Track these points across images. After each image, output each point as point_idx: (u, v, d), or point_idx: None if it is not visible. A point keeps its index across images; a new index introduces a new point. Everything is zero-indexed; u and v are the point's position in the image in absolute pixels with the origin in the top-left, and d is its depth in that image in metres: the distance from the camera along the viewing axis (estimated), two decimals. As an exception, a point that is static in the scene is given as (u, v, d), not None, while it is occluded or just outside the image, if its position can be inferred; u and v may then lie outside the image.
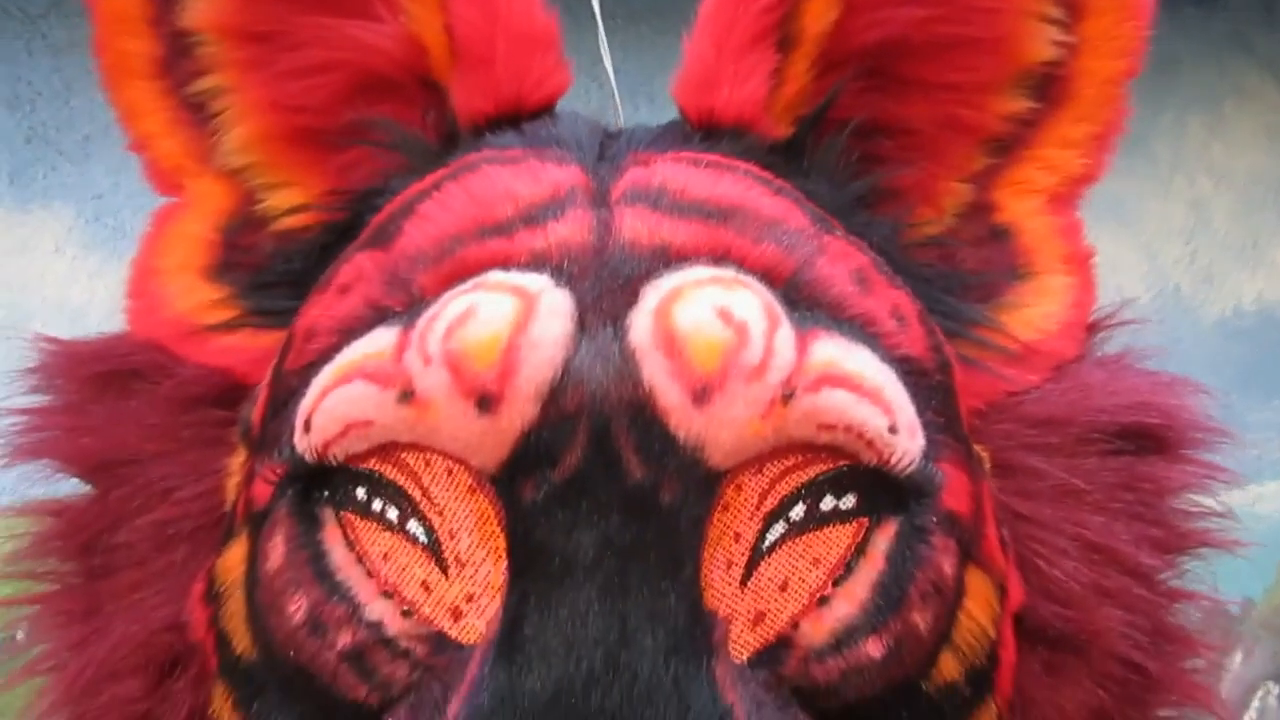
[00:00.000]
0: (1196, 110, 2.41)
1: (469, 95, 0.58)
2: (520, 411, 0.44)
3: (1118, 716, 0.58)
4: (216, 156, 0.66)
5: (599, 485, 0.43)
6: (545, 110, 0.60)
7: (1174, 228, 2.38)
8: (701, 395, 0.43)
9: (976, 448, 0.58)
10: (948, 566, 0.49)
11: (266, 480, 0.50)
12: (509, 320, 0.44)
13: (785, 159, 0.58)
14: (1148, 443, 0.61)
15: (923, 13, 0.60)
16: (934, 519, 0.49)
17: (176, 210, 0.67)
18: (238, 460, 0.58)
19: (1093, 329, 0.66)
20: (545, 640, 0.41)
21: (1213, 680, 0.67)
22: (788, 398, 0.44)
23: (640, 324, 0.45)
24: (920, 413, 0.50)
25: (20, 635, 0.67)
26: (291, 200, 0.65)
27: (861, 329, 0.50)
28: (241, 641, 0.51)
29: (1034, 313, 0.63)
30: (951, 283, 0.62)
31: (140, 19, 0.65)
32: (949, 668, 0.50)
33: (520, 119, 0.58)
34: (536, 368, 0.44)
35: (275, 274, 0.63)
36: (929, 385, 0.52)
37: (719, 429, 0.44)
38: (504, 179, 0.52)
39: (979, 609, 0.51)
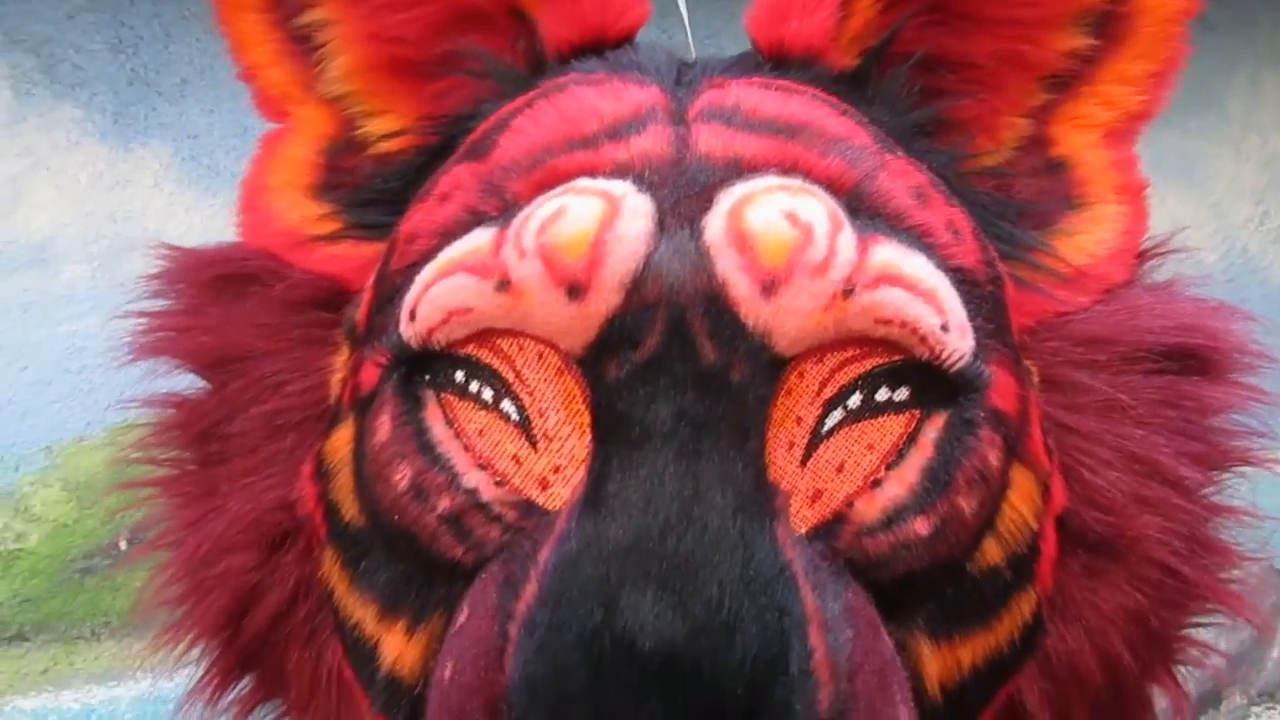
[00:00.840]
0: (1271, 69, 2.36)
1: (556, 25, 0.62)
2: (606, 299, 0.48)
3: (1153, 619, 0.61)
4: (320, 85, 0.71)
5: (675, 365, 0.48)
6: (626, 40, 0.64)
7: (1245, 187, 2.34)
8: (769, 288, 0.48)
9: (1026, 362, 0.61)
10: (993, 458, 0.53)
11: (375, 364, 0.56)
12: (596, 218, 0.49)
13: (850, 88, 0.62)
14: (1192, 363, 0.63)
15: None
16: (981, 414, 0.53)
17: (282, 135, 0.73)
18: (341, 358, 0.64)
19: (1144, 257, 0.68)
20: (626, 495, 0.46)
21: (1248, 590, 0.70)
22: (848, 293, 0.49)
23: (714, 225, 0.49)
24: (971, 318, 0.53)
25: (123, 545, 0.74)
26: (389, 126, 0.70)
27: (919, 238, 0.54)
28: (350, 510, 0.57)
29: (1086, 239, 0.66)
30: (1007, 210, 0.65)
31: None
32: (992, 552, 0.54)
33: (603, 47, 0.62)
34: (621, 260, 0.48)
35: (374, 192, 0.68)
36: (980, 295, 0.56)
37: (784, 318, 0.48)
38: (590, 98, 0.57)
39: (1022, 502, 0.55)
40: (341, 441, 0.59)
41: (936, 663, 0.53)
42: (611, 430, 0.48)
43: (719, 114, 0.55)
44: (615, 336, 0.49)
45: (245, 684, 0.67)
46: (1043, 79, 0.68)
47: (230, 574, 0.64)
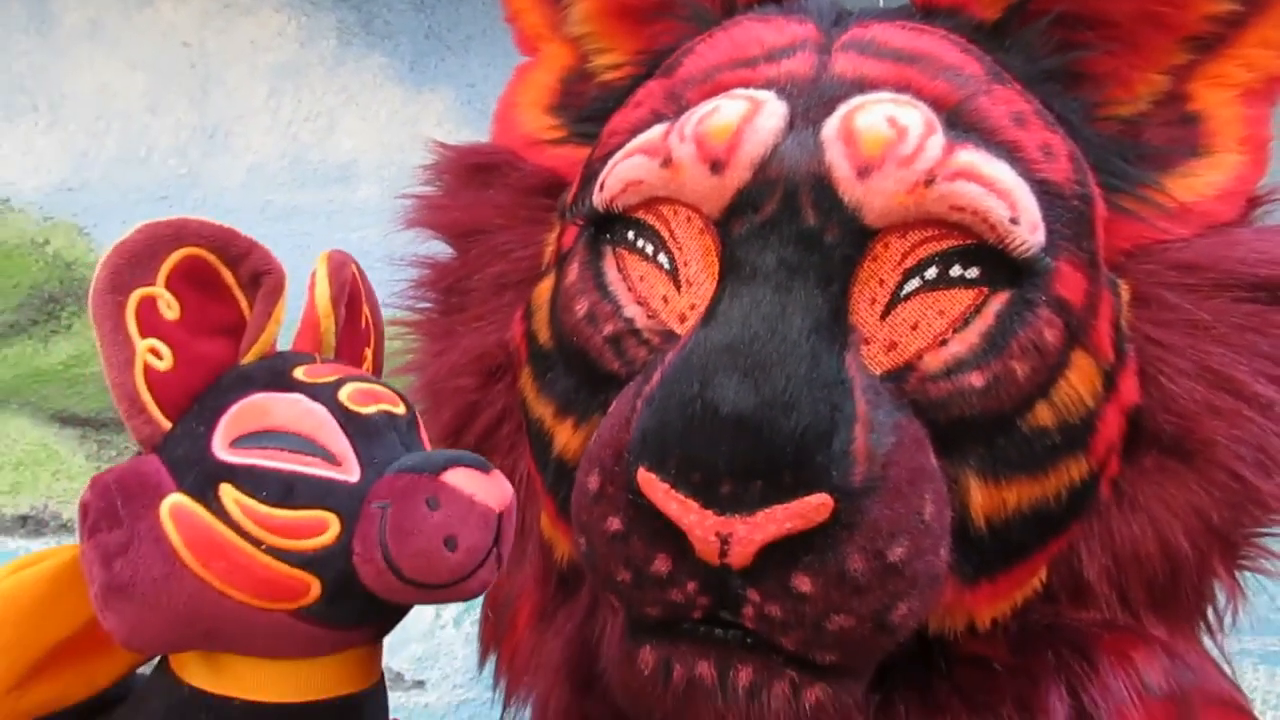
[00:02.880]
0: None
1: None
2: (739, 175, 0.62)
3: (1216, 518, 0.67)
4: (564, 27, 0.89)
5: (784, 225, 0.61)
6: None
7: None
8: (864, 171, 0.60)
9: (1121, 281, 0.69)
10: (1049, 335, 0.62)
11: (574, 225, 0.73)
12: (740, 114, 0.63)
13: (989, 36, 0.71)
14: None
15: None
16: (1043, 297, 0.62)
17: (533, 65, 0.91)
18: (554, 234, 0.81)
19: (1256, 201, 0.74)
20: (731, 314, 0.59)
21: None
22: (929, 182, 0.59)
23: (830, 124, 0.62)
24: (1048, 221, 0.62)
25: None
26: (614, 59, 0.86)
27: (1009, 151, 0.63)
28: (544, 334, 0.74)
29: (1199, 181, 0.72)
30: (1128, 151, 0.72)
31: None
32: (1044, 415, 0.63)
33: None
34: (754, 145, 0.62)
35: (594, 110, 0.84)
36: (1064, 206, 0.64)
37: (874, 196, 0.60)
38: (756, 30, 0.71)
39: (1080, 382, 0.64)
40: (545, 289, 0.76)
41: (983, 497, 0.62)
42: (730, 271, 0.62)
43: (856, 44, 0.67)
44: (743, 203, 0.62)
45: None
46: (1186, 39, 0.73)
47: (458, 394, 0.83)
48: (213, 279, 0.72)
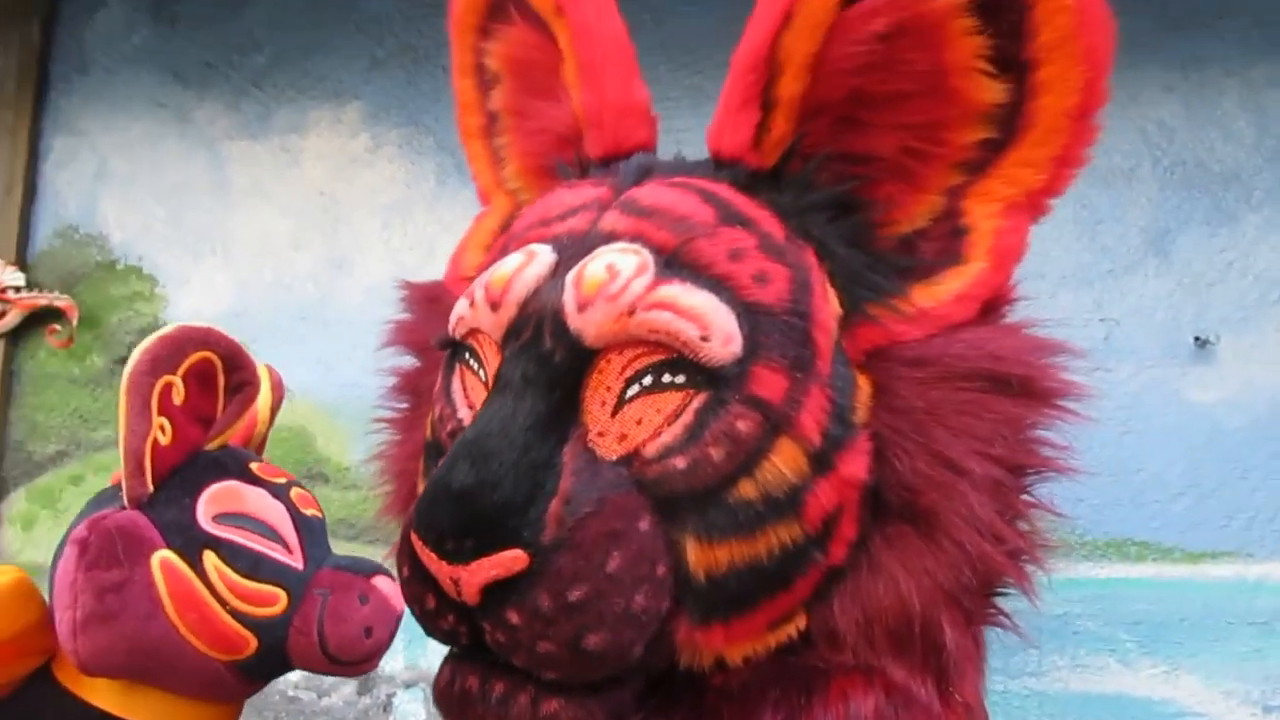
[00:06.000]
0: None
1: (590, 146, 0.96)
2: (509, 311, 0.80)
3: (944, 580, 0.77)
4: (506, 182, 1.13)
5: (531, 348, 0.78)
6: (642, 149, 0.96)
7: None
8: (583, 306, 0.76)
9: (862, 376, 0.80)
10: (742, 426, 0.74)
11: (440, 350, 0.94)
12: (516, 265, 0.81)
13: (766, 180, 0.85)
14: (1003, 385, 0.78)
15: (875, 76, 0.83)
16: (736, 396, 0.74)
17: (486, 213, 1.14)
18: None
19: (998, 303, 0.84)
20: (482, 416, 0.77)
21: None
22: (632, 312, 0.74)
23: (573, 270, 0.78)
24: (753, 334, 0.75)
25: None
26: None
27: (718, 282, 0.76)
28: (428, 432, 0.95)
29: (941, 288, 0.82)
30: (890, 267, 0.84)
31: (475, 103, 1.14)
32: (747, 489, 0.74)
33: (618, 158, 0.95)
34: (520, 289, 0.80)
35: None
36: (770, 322, 0.77)
37: (589, 325, 0.75)
38: (564, 194, 0.90)
39: (784, 462, 0.75)
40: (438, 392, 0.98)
41: (698, 555, 0.74)
42: (495, 383, 0.80)
43: (622, 203, 0.84)
44: (511, 332, 0.80)
45: None
46: (957, 164, 0.85)
47: (407, 475, 1.05)
48: (211, 379, 0.99)
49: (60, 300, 2.19)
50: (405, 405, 1.12)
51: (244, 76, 2.19)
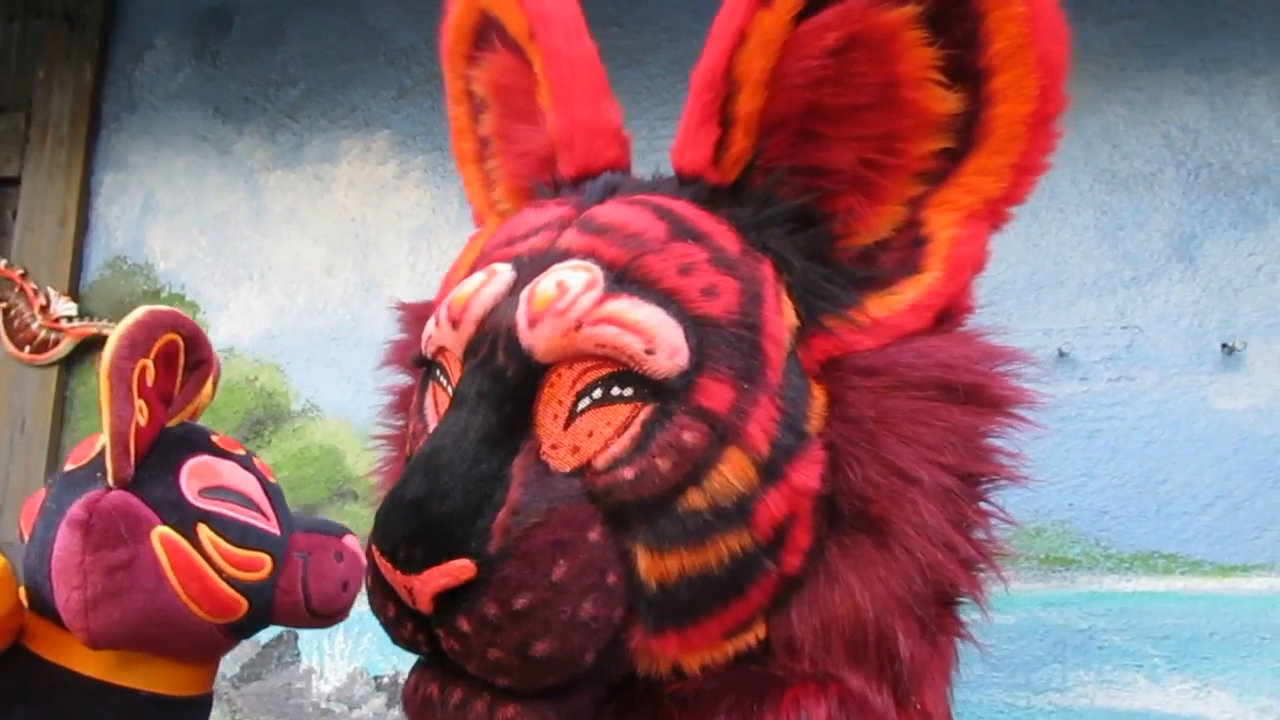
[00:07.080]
0: None
1: (562, 166, 0.99)
2: (468, 329, 0.83)
3: (897, 588, 0.77)
4: (496, 204, 1.16)
5: (487, 364, 0.81)
6: (614, 169, 0.98)
7: None
8: (533, 322, 0.78)
9: (816, 386, 0.81)
10: (688, 437, 0.75)
11: (416, 368, 0.97)
12: (476, 284, 0.84)
13: (727, 195, 0.87)
14: (954, 394, 0.78)
15: (830, 90, 0.84)
16: (682, 407, 0.76)
17: (478, 235, 1.18)
18: None
19: (954, 312, 0.84)
20: (438, 430, 0.80)
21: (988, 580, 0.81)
22: (579, 327, 0.76)
23: (526, 288, 0.81)
24: (701, 347, 0.76)
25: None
26: None
27: (666, 296, 0.78)
28: (407, 446, 0.99)
29: (896, 298, 0.83)
30: (847, 278, 0.84)
31: (467, 129, 1.18)
32: (695, 499, 0.75)
33: (590, 178, 0.97)
34: (478, 307, 0.83)
35: None
36: (719, 334, 0.78)
37: (539, 340, 0.78)
38: (530, 214, 0.92)
39: (732, 473, 0.76)
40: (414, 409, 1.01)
41: (648, 564, 0.76)
42: (453, 398, 0.83)
43: (584, 222, 0.86)
44: (470, 349, 0.83)
45: None
46: (917, 175, 0.86)
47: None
48: (174, 359, 1.04)
49: (110, 328, 2.28)
50: (401, 422, 1.15)
51: (280, 109, 2.27)
